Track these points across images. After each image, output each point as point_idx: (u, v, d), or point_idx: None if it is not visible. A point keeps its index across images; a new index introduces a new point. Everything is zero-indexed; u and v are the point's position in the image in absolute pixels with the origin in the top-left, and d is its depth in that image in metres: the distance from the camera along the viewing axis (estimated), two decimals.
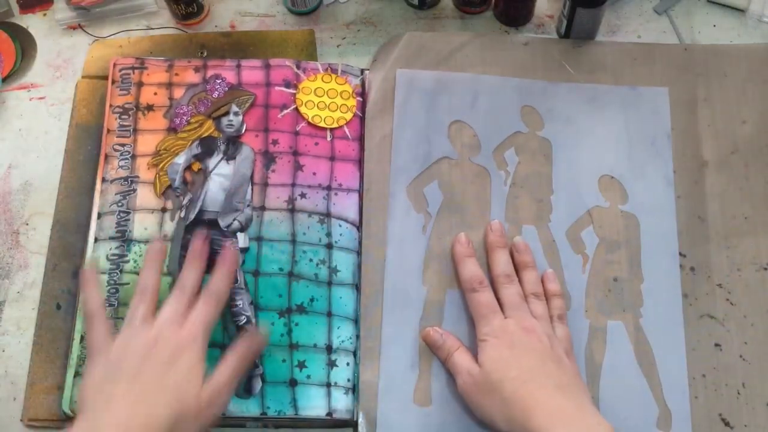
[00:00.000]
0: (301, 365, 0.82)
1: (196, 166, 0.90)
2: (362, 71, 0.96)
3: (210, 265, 0.85)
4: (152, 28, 1.02)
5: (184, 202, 0.88)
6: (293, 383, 0.82)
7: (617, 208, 0.89)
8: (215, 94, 0.92)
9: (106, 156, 0.90)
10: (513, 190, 0.90)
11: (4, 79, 0.99)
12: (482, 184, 0.90)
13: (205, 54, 0.98)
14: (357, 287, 0.86)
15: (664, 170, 0.90)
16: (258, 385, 0.81)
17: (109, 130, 0.91)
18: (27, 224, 0.92)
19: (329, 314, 0.84)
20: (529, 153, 0.91)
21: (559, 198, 0.89)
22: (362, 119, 0.93)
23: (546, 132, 0.92)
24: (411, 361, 0.83)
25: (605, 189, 0.90)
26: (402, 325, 0.85)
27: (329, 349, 0.83)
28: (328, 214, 0.88)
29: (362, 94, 0.94)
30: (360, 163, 0.91)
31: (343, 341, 0.84)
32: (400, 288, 0.86)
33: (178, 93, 0.93)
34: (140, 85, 0.93)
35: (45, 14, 1.03)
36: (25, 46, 1.01)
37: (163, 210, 0.88)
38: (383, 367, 0.83)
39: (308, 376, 0.82)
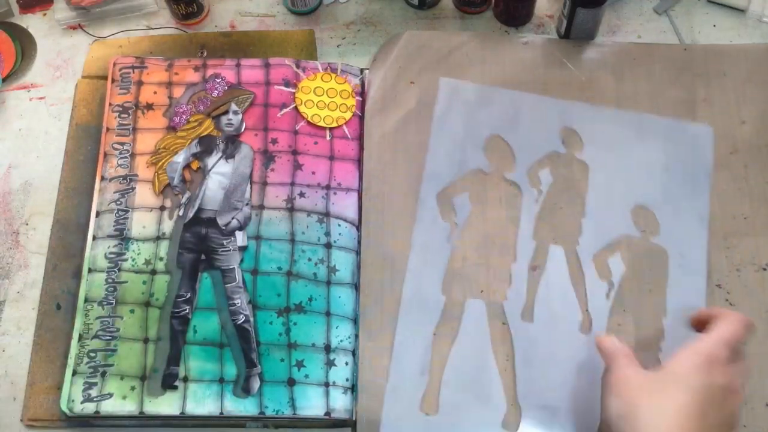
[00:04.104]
0: (300, 365, 0.82)
1: (195, 165, 0.90)
2: (362, 71, 0.96)
3: (207, 264, 0.85)
4: (152, 28, 1.02)
5: (183, 201, 0.88)
6: (291, 383, 0.82)
7: (648, 240, 0.87)
8: (215, 93, 0.92)
9: (105, 154, 0.90)
10: (544, 209, 0.89)
11: (4, 79, 0.99)
12: (513, 200, 0.89)
13: (205, 54, 0.98)
14: (356, 287, 0.86)
15: (700, 209, 0.88)
16: (256, 384, 0.81)
17: (108, 129, 0.91)
18: (27, 224, 0.92)
19: (328, 314, 0.84)
20: (564, 174, 0.90)
21: (590, 222, 0.88)
22: (362, 118, 0.93)
23: (584, 155, 0.91)
24: (421, 368, 0.83)
25: (638, 219, 0.88)
26: (416, 331, 0.84)
27: (328, 348, 0.83)
28: (327, 214, 0.88)
29: (362, 93, 0.94)
30: (359, 162, 0.91)
31: (341, 341, 0.84)
32: (419, 294, 0.85)
33: (178, 92, 0.93)
34: (140, 84, 0.93)
35: (45, 14, 1.04)
36: (25, 46, 1.01)
37: (162, 208, 0.88)
38: (392, 370, 0.83)
39: (306, 376, 0.82)
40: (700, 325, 0.77)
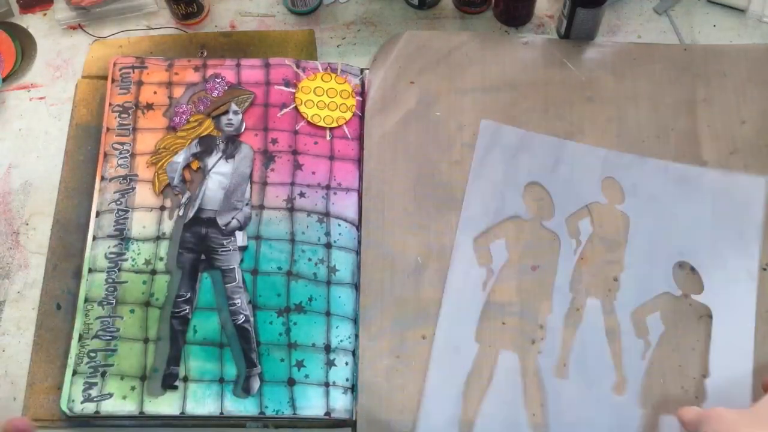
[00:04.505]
0: (300, 365, 0.82)
1: (195, 165, 0.90)
2: (362, 71, 0.96)
3: (207, 264, 0.85)
4: (152, 28, 1.02)
5: (183, 201, 0.88)
6: (291, 383, 0.82)
7: (690, 298, 0.85)
8: (215, 93, 0.92)
9: (105, 154, 0.90)
10: (582, 261, 0.87)
11: (4, 79, 0.99)
12: (550, 250, 0.87)
13: (205, 54, 0.98)
14: (356, 287, 0.86)
15: (749, 264, 0.86)
16: (256, 384, 0.81)
17: (108, 129, 0.91)
18: (27, 224, 0.92)
19: (328, 314, 0.84)
20: (604, 225, 0.88)
21: (629, 277, 0.86)
22: (362, 118, 0.93)
23: (626, 207, 0.89)
24: (452, 417, 0.81)
25: (680, 276, 0.86)
26: (448, 379, 0.83)
27: (328, 348, 0.83)
28: (327, 214, 0.88)
29: (362, 93, 0.94)
30: (359, 162, 0.91)
31: (341, 341, 0.84)
32: (452, 340, 0.84)
33: (178, 92, 0.93)
34: (140, 84, 0.93)
35: (45, 14, 1.04)
36: (25, 46, 1.01)
37: (162, 208, 0.88)
38: (422, 417, 0.81)
39: (306, 376, 0.82)
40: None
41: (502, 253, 0.87)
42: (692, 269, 0.86)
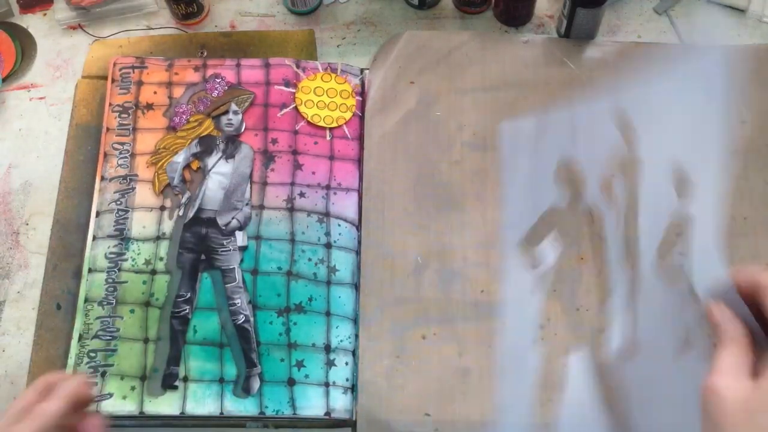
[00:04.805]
0: (300, 365, 0.82)
1: (195, 165, 0.90)
2: (362, 70, 0.96)
3: (207, 264, 0.85)
4: (152, 28, 1.02)
5: (183, 201, 0.88)
6: (291, 383, 0.82)
7: (687, 207, 0.86)
8: (215, 93, 0.92)
9: (105, 154, 0.90)
10: (629, 227, 0.86)
11: (4, 79, 0.99)
12: (597, 227, 0.86)
13: (205, 54, 0.98)
14: (356, 287, 0.86)
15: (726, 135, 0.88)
16: (256, 384, 0.81)
17: (108, 129, 0.91)
18: (27, 224, 0.92)
19: (328, 314, 0.84)
20: (630, 179, 0.88)
21: (644, 217, 0.86)
22: (362, 118, 0.93)
23: (639, 147, 0.89)
24: (529, 427, 0.79)
25: (679, 185, 0.87)
26: (517, 393, 0.81)
27: (328, 348, 0.83)
28: (327, 214, 0.88)
29: (362, 93, 0.95)
30: (359, 162, 0.91)
31: (341, 341, 0.84)
32: (515, 353, 0.82)
33: (178, 92, 0.93)
34: (140, 84, 0.93)
35: (45, 14, 1.04)
36: (25, 46, 1.01)
37: (162, 208, 0.88)
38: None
39: (306, 376, 0.82)
40: (747, 293, 0.62)
41: (551, 250, 0.86)
42: (685, 170, 0.88)
